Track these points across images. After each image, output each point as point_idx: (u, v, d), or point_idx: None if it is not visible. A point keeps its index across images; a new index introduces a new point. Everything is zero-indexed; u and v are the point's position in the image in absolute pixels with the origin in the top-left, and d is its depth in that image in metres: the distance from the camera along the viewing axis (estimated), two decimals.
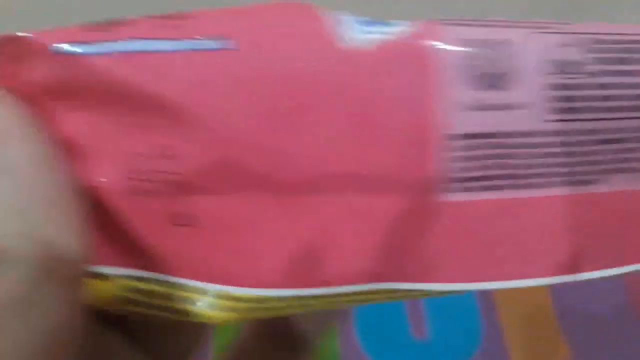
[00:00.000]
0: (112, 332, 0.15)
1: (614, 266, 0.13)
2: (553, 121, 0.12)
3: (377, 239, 0.12)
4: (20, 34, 0.11)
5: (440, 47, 0.11)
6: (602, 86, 0.12)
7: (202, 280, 0.12)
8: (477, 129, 0.11)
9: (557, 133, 0.12)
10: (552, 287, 0.41)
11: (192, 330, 0.16)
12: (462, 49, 0.11)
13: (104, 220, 0.12)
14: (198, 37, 0.11)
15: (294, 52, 0.11)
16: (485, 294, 0.41)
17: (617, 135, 0.12)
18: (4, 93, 0.11)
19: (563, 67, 0.12)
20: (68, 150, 0.12)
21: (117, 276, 0.13)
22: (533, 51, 0.11)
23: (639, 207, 0.13)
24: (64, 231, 0.10)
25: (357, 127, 0.11)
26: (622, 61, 0.12)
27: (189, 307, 0.13)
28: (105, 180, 0.12)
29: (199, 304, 0.13)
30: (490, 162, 0.12)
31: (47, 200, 0.10)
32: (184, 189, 0.12)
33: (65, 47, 0.11)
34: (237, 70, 0.11)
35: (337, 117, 0.11)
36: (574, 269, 0.13)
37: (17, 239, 0.10)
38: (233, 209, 0.12)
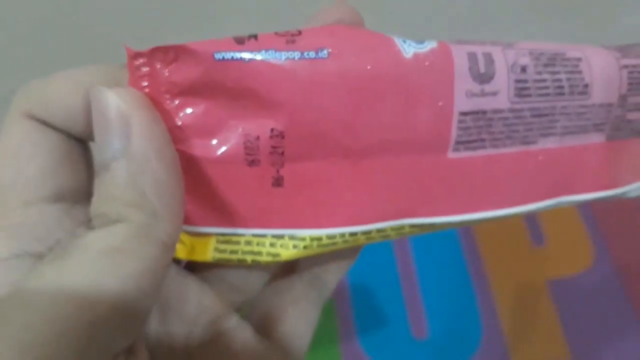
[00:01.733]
0: (191, 277, 0.19)
1: (557, 195, 0.20)
2: (515, 102, 0.18)
3: (405, 186, 0.18)
4: (183, 44, 0.15)
5: (456, 57, 0.17)
6: (539, 81, 0.19)
7: (292, 227, 0.17)
8: (476, 108, 0.18)
9: (517, 110, 0.18)
10: (553, 288, 0.41)
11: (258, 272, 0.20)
12: (468, 57, 0.18)
13: (213, 189, 0.17)
14: (304, 49, 0.16)
15: (373, 60, 0.16)
16: (485, 294, 0.41)
17: (548, 111, 0.19)
18: (140, 95, 0.15)
19: (519, 69, 0.18)
20: (194, 133, 0.16)
21: (216, 234, 0.18)
22: (503, 59, 0.18)
23: (560, 158, 0.20)
24: (165, 205, 0.14)
25: (406, 108, 0.17)
26: (548, 65, 0.19)
27: (270, 250, 0.18)
28: (217, 155, 0.16)
29: (279, 247, 0.18)
30: (480, 129, 0.18)
31: (156, 179, 0.14)
32: (285, 158, 0.17)
33: (225, 55, 0.15)
34: (333, 72, 0.16)
35: (395, 101, 0.17)
36: (520, 202, 0.20)
37: (129, 209, 0.14)
38: (318, 171, 0.17)
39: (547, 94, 0.19)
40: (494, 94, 0.18)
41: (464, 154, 0.18)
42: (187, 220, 0.17)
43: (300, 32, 0.16)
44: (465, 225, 0.20)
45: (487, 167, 0.19)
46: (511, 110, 0.18)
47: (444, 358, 0.39)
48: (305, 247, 0.17)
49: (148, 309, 0.14)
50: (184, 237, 0.18)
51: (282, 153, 0.16)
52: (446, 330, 0.40)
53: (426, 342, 0.39)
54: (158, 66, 0.15)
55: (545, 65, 0.19)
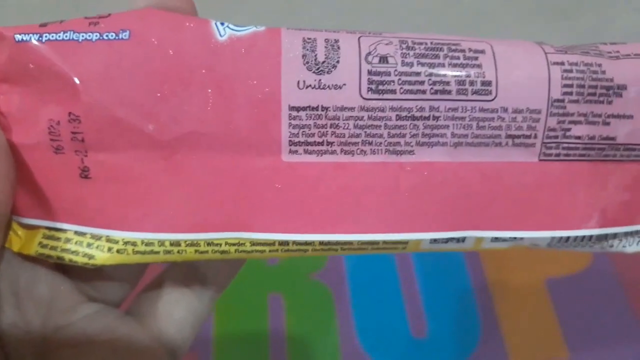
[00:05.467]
0: (45, 265, 0.18)
1: (429, 230, 0.16)
2: (370, 99, 0.15)
3: (232, 191, 0.16)
4: None
5: (286, 42, 0.15)
6: (405, 74, 0.15)
7: (98, 226, 0.16)
8: (313, 102, 0.15)
9: (373, 109, 0.15)
10: (552, 287, 0.41)
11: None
12: (302, 44, 0.15)
13: (30, 179, 0.16)
14: (104, 31, 0.15)
15: (177, 43, 0.15)
16: (484, 293, 0.41)
17: (425, 114, 0.15)
18: None
19: (377, 59, 0.15)
20: (10, 120, 0.15)
21: (44, 227, 0.16)
22: (355, 47, 0.15)
23: (461, 178, 0.16)
24: None
25: (219, 98, 0.15)
26: (425, 56, 0.15)
27: (86, 250, 0.16)
28: (30, 141, 0.15)
29: (95, 248, 0.16)
30: (323, 130, 0.15)
31: None
32: (87, 146, 0.15)
33: (24, 37, 0.15)
34: (132, 54, 0.15)
35: (204, 89, 0.15)
36: (398, 228, 0.16)
37: None
38: (125, 164, 0.15)
39: (421, 91, 0.15)
40: (338, 87, 0.15)
41: (305, 159, 0.15)
42: (14, 210, 0.16)
43: (109, 15, 0.15)
44: (341, 251, 0.17)
45: (341, 178, 0.16)
46: (365, 109, 0.15)
47: (443, 357, 0.39)
48: (119, 252, 0.16)
49: None
50: (19, 229, 0.17)
51: (83, 140, 0.15)
52: (445, 329, 0.40)
53: (425, 341, 0.39)
54: None
55: (421, 56, 0.15)
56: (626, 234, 0.18)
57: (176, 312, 0.19)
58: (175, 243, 0.16)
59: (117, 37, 0.15)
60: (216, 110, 0.15)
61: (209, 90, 0.15)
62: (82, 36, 0.15)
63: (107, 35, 0.15)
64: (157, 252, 0.16)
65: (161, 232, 0.16)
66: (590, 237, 0.17)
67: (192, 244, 0.16)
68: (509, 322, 0.40)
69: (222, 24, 0.15)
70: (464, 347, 0.39)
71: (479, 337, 0.39)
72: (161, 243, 0.16)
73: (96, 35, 0.15)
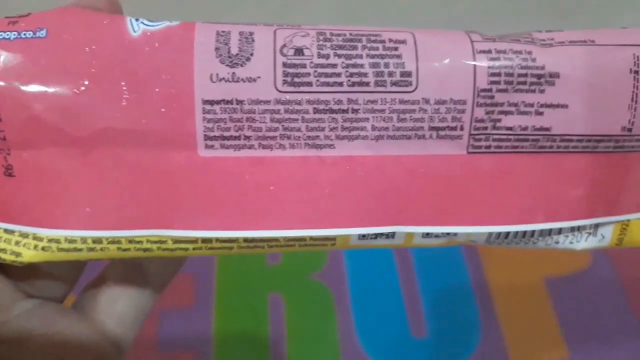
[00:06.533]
0: None
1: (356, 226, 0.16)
2: (286, 92, 0.15)
3: (150, 188, 0.15)
4: None
5: (199, 36, 0.15)
6: (321, 66, 0.15)
7: (24, 224, 0.16)
8: (227, 96, 0.15)
9: (289, 102, 0.15)
10: (551, 286, 0.41)
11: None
12: (216, 37, 0.15)
13: None
14: (22, 30, 0.15)
15: (91, 39, 0.15)
16: (484, 293, 0.41)
17: (343, 106, 0.15)
18: None
19: (292, 51, 0.15)
20: None
21: None
22: (270, 39, 0.15)
23: (383, 171, 0.16)
24: None
25: (132, 93, 0.15)
26: (343, 47, 0.15)
27: (14, 248, 0.16)
28: None
29: (22, 246, 0.16)
30: (239, 124, 0.15)
31: None
32: (9, 144, 0.15)
33: None
34: (49, 51, 0.15)
35: (117, 85, 0.15)
36: (323, 224, 0.16)
37: None
38: (47, 161, 0.15)
39: (338, 83, 0.15)
40: (252, 79, 0.15)
41: (222, 153, 0.15)
42: None
43: (28, 14, 0.15)
44: (268, 249, 0.16)
45: (260, 173, 0.15)
46: (281, 102, 0.15)
47: (443, 357, 0.38)
48: (44, 249, 0.16)
49: None
50: None
51: (5, 138, 0.15)
52: (445, 329, 0.40)
53: (425, 341, 0.39)
54: None
55: (338, 47, 0.15)
56: (572, 229, 0.17)
57: (117, 306, 0.19)
58: (98, 240, 0.16)
59: (34, 36, 0.15)
60: (131, 106, 0.15)
61: (124, 87, 0.15)
62: (1, 35, 0.15)
63: (24, 34, 0.15)
64: (81, 250, 0.16)
65: (83, 229, 0.16)
66: (532, 232, 0.17)
67: (114, 241, 0.16)
68: (508, 321, 0.40)
69: (137, 20, 0.15)
70: (464, 347, 0.39)
71: (479, 337, 0.39)
72: (84, 240, 0.16)
73: (14, 34, 0.15)
